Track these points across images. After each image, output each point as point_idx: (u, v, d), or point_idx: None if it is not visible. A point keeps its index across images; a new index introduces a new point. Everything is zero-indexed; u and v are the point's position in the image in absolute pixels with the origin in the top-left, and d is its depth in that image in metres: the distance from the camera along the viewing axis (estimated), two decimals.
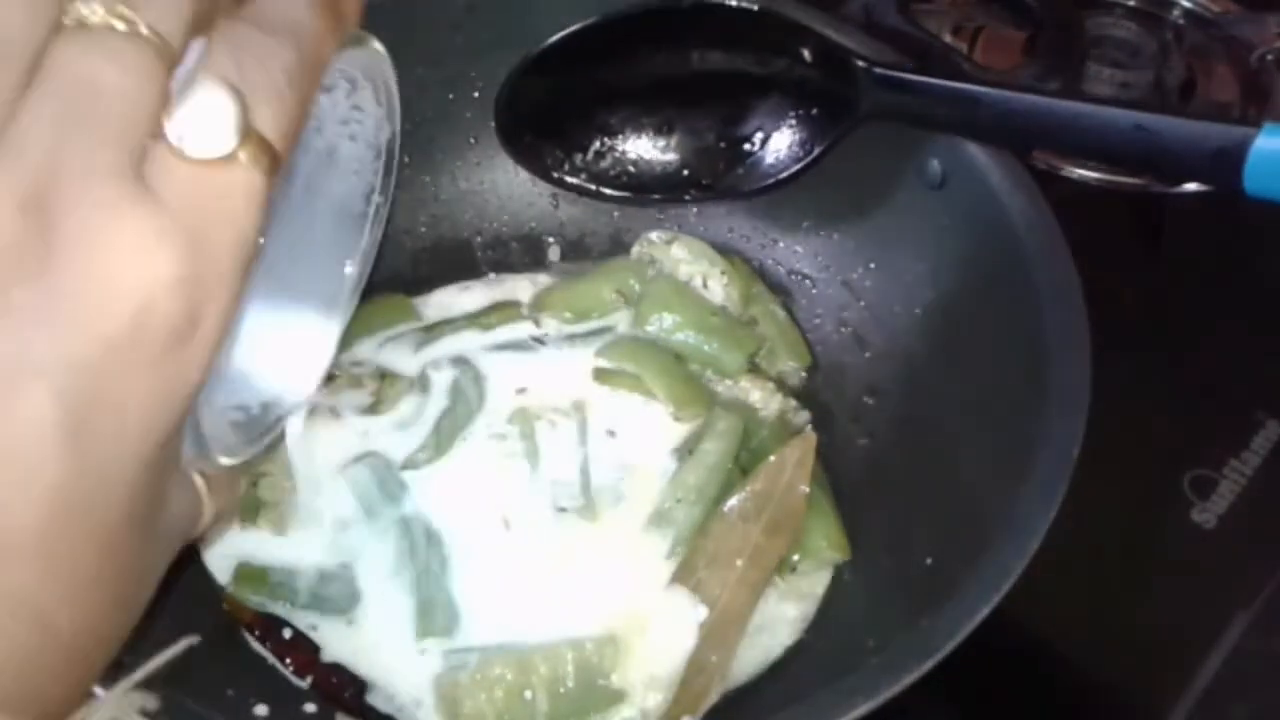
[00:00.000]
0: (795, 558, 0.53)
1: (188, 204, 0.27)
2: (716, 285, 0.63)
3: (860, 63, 0.55)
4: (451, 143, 0.66)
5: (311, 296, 0.39)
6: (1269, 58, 0.79)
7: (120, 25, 0.26)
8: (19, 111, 0.25)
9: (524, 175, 0.67)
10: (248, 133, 0.27)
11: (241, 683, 0.48)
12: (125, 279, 0.26)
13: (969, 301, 0.56)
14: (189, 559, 0.53)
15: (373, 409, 0.58)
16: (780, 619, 0.52)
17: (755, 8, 0.58)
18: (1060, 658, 0.57)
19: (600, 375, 0.60)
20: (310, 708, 0.49)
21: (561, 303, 0.63)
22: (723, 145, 0.60)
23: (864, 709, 0.40)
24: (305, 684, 0.51)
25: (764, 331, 0.62)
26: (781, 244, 0.66)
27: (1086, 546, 0.56)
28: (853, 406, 0.60)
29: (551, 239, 0.68)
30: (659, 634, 0.51)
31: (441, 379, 0.59)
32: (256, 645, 0.52)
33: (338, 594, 0.52)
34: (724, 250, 0.65)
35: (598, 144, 0.60)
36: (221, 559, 0.53)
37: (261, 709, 0.48)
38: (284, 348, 0.39)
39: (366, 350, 0.61)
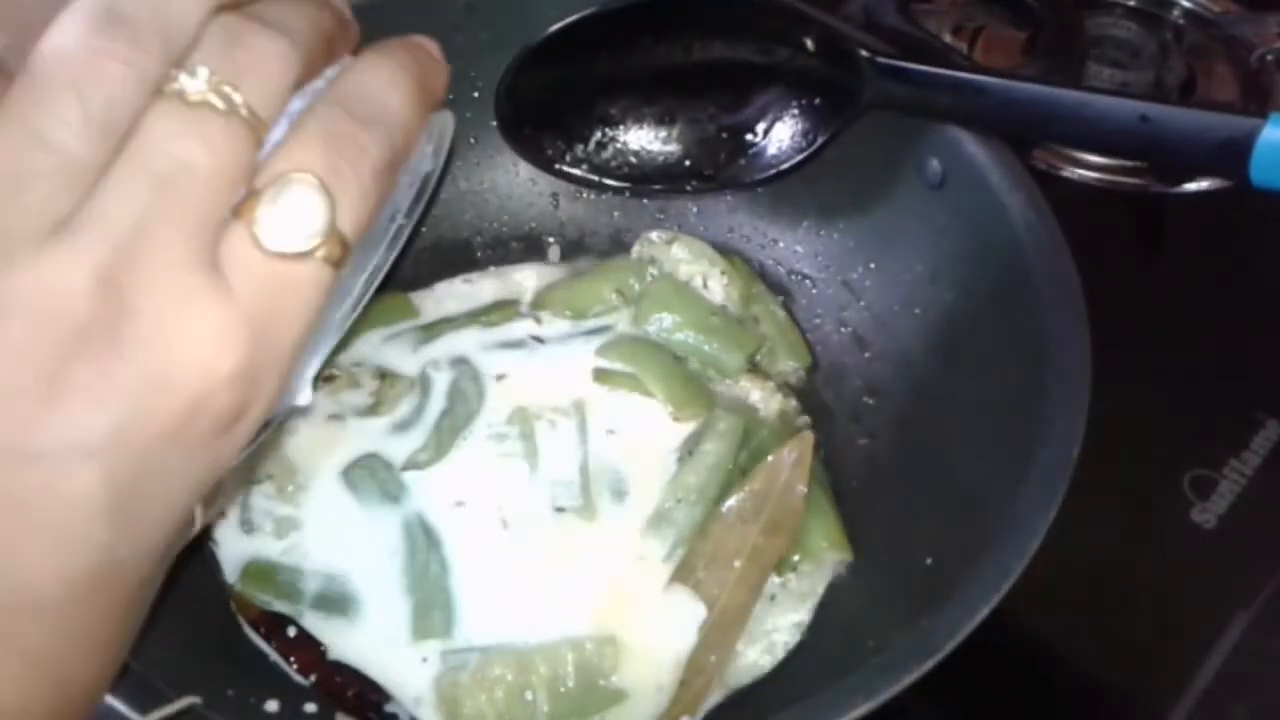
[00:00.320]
0: (795, 558, 0.53)
1: (258, 296, 0.26)
2: (716, 285, 0.63)
3: (864, 52, 0.54)
4: (452, 143, 0.66)
5: None
6: (1269, 58, 0.79)
7: (220, 104, 0.26)
8: (108, 180, 0.25)
9: (524, 175, 0.67)
10: (330, 232, 0.27)
11: (242, 683, 0.48)
12: (188, 372, 0.26)
13: (969, 301, 0.56)
14: (189, 560, 0.53)
15: (373, 410, 0.58)
16: (780, 619, 0.52)
17: None
18: (1060, 658, 0.57)
19: (600, 375, 0.60)
20: (311, 707, 0.49)
21: (562, 301, 0.63)
22: (725, 135, 0.59)
23: (864, 709, 0.40)
24: (309, 682, 0.51)
25: (764, 331, 0.62)
26: (781, 244, 0.66)
27: (1086, 546, 0.56)
28: (853, 406, 0.60)
29: (552, 239, 0.68)
30: (658, 634, 0.51)
31: (441, 379, 0.59)
32: (261, 643, 0.52)
33: (340, 595, 0.52)
34: (724, 250, 0.65)
35: (599, 134, 0.60)
36: (229, 558, 0.54)
37: (262, 708, 0.48)
38: None
39: (366, 349, 0.61)
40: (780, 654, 0.52)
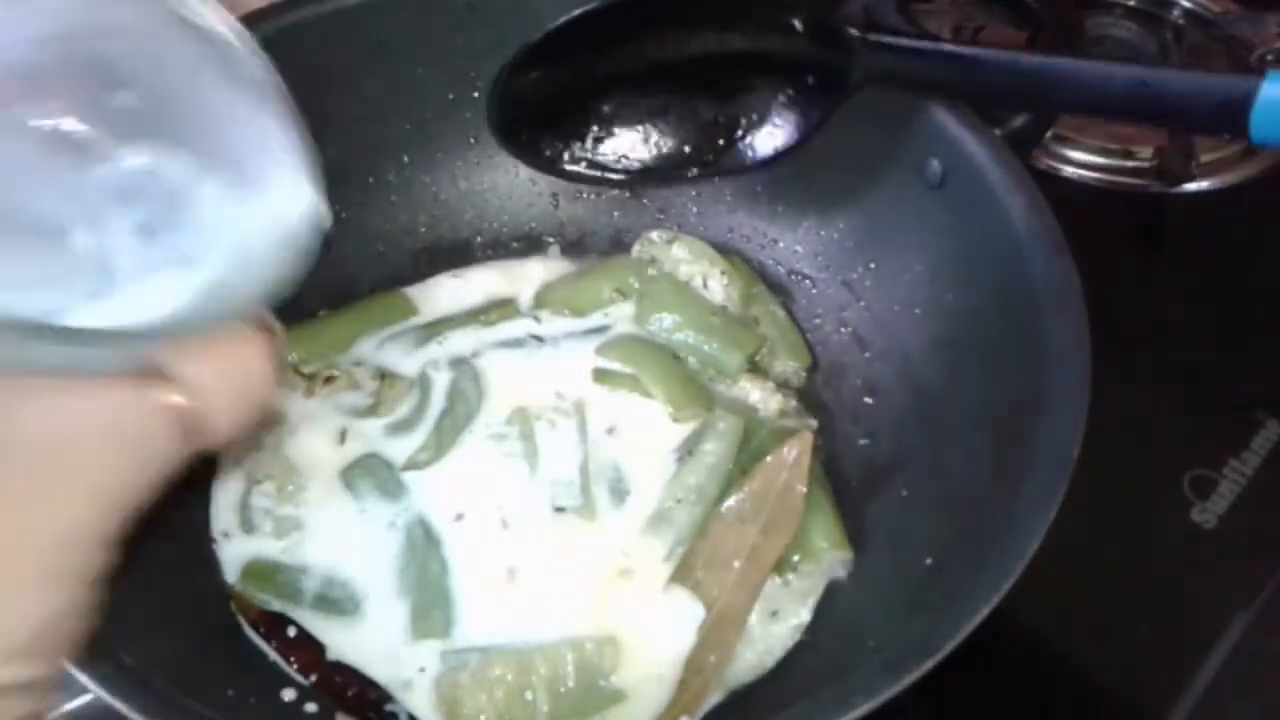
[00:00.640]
0: (795, 558, 0.53)
1: None
2: (716, 285, 0.63)
3: (853, 30, 0.54)
4: (451, 143, 0.66)
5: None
6: (1269, 58, 0.79)
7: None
8: None
9: (524, 175, 0.67)
10: None
11: (242, 683, 0.48)
12: None
13: (969, 301, 0.56)
14: (191, 559, 0.53)
15: (373, 410, 0.58)
16: (780, 619, 0.52)
17: None
18: (1060, 658, 0.57)
19: (599, 375, 0.60)
20: (311, 707, 0.49)
21: (561, 300, 0.63)
22: (721, 123, 0.59)
23: (864, 709, 0.40)
24: (309, 682, 0.51)
25: (764, 331, 0.62)
26: (781, 244, 0.66)
27: (1086, 546, 0.56)
28: (853, 406, 0.60)
29: (551, 239, 0.68)
30: (658, 634, 0.51)
31: (441, 379, 0.59)
32: (261, 643, 0.52)
33: (341, 595, 0.52)
34: (724, 250, 0.65)
35: (595, 131, 0.60)
36: (229, 558, 0.54)
37: (262, 708, 0.48)
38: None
39: (366, 349, 0.61)
40: (780, 654, 0.52)
